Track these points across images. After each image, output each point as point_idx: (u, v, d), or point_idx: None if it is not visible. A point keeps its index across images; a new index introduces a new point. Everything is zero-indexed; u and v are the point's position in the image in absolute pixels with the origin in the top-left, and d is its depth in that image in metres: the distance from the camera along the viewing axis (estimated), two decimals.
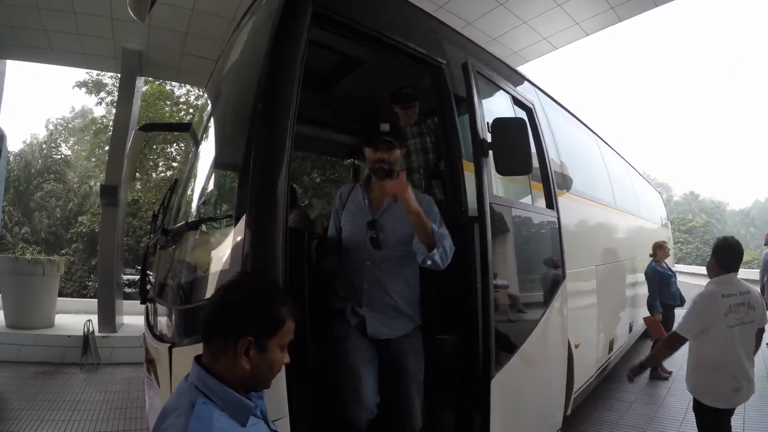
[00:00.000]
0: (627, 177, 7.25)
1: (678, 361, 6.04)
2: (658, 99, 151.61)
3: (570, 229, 3.74)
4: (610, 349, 5.09)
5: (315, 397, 1.91)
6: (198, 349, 1.30)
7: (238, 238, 1.72)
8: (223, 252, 1.83)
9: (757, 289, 3.09)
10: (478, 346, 2.27)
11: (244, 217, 1.74)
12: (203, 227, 2.15)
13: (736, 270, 2.96)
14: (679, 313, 6.05)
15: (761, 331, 2.95)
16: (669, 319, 5.89)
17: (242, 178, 1.82)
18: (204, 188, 2.38)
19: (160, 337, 2.43)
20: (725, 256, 2.95)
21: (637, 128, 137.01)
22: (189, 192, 2.76)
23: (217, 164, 2.33)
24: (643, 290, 6.57)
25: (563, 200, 3.63)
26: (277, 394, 1.64)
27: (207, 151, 2.65)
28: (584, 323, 4.19)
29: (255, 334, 1.21)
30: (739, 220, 59.68)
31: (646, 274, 6.07)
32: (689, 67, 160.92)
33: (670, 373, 5.76)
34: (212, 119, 2.75)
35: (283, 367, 1.63)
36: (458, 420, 2.32)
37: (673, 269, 6.44)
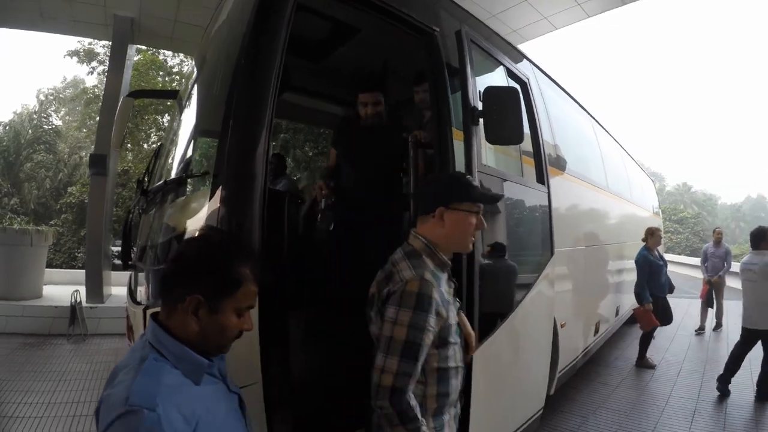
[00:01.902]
0: (621, 162, 7.22)
1: (659, 356, 6.11)
2: (657, 88, 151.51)
3: (561, 207, 3.71)
4: (596, 331, 5.11)
5: (289, 364, 1.88)
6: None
7: (215, 197, 1.67)
8: (199, 211, 1.78)
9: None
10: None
11: (221, 175, 1.70)
12: (181, 188, 2.09)
13: (755, 248, 4.84)
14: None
15: None
16: (659, 308, 5.79)
17: (222, 135, 1.76)
18: (186, 151, 2.32)
19: (138, 302, 2.39)
20: (751, 239, 4.96)
21: (633, 115, 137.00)
22: (172, 156, 2.70)
23: (200, 127, 2.26)
24: (631, 276, 6.57)
25: (555, 178, 3.59)
26: (249, 360, 1.61)
27: (191, 115, 2.59)
28: (571, 303, 4.18)
29: (205, 292, 1.13)
30: (729, 214, 60.30)
31: (636, 261, 5.94)
32: (692, 57, 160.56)
33: (653, 366, 5.76)
34: (198, 84, 2.69)
35: (257, 332, 1.59)
36: None
37: (665, 258, 6.32)
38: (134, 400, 0.97)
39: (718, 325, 7.86)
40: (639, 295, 5.80)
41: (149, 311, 1.89)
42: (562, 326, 3.69)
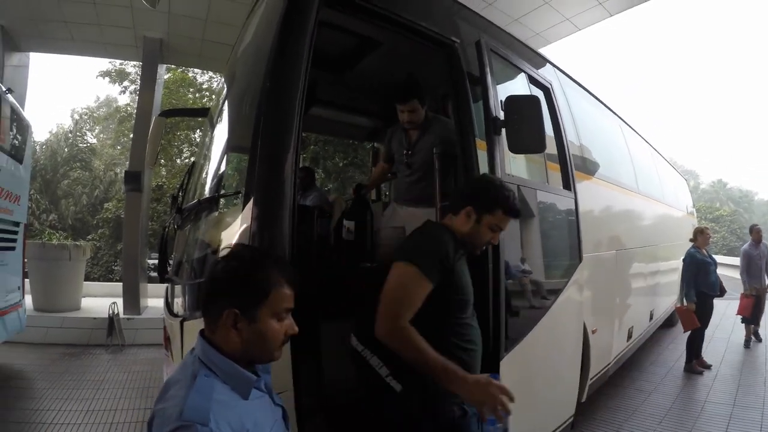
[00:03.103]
0: (651, 162, 7.06)
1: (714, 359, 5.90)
2: (688, 84, 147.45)
3: (589, 212, 3.67)
4: (629, 336, 5.00)
5: (321, 372, 1.92)
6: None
7: (246, 215, 1.74)
8: (232, 228, 1.85)
9: None
10: (488, 326, 2.23)
11: (251, 193, 1.76)
12: (215, 206, 2.17)
13: None
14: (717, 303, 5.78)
15: None
16: (706, 309, 5.58)
17: (251, 154, 1.83)
18: (218, 169, 2.41)
19: (175, 314, 2.48)
20: None
21: (664, 114, 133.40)
22: (204, 174, 2.80)
23: (230, 145, 2.35)
24: (666, 278, 6.38)
25: (583, 183, 3.55)
26: (281, 367, 1.65)
27: (221, 133, 2.69)
28: (602, 309, 4.10)
29: (239, 304, 1.17)
30: (767, 210, 57.89)
31: (683, 260, 5.76)
32: (723, 51, 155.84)
33: (709, 367, 5.57)
34: (227, 102, 2.79)
35: (289, 341, 1.64)
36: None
37: (713, 257, 6.00)
38: (188, 415, 1.02)
39: (759, 338, 6.91)
40: (686, 295, 5.61)
41: (186, 323, 2.00)
42: (593, 332, 3.63)
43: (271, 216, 1.74)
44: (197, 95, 16.51)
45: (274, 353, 1.24)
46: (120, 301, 7.12)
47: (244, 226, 1.73)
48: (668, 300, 6.96)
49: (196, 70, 15.91)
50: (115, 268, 18.17)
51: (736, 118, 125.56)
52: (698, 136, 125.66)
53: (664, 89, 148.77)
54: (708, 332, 5.83)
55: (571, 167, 3.28)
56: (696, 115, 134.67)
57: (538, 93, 3.05)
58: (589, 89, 4.73)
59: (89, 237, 19.54)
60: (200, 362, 1.17)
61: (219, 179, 2.27)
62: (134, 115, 10.44)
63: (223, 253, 1.76)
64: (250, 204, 1.75)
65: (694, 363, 5.56)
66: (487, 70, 2.46)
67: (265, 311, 1.19)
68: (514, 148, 2.35)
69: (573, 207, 3.25)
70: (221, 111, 2.81)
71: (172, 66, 13.90)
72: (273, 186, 1.77)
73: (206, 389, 1.09)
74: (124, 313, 7.02)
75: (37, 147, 25.68)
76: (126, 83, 16.84)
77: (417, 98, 2.97)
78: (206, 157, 2.91)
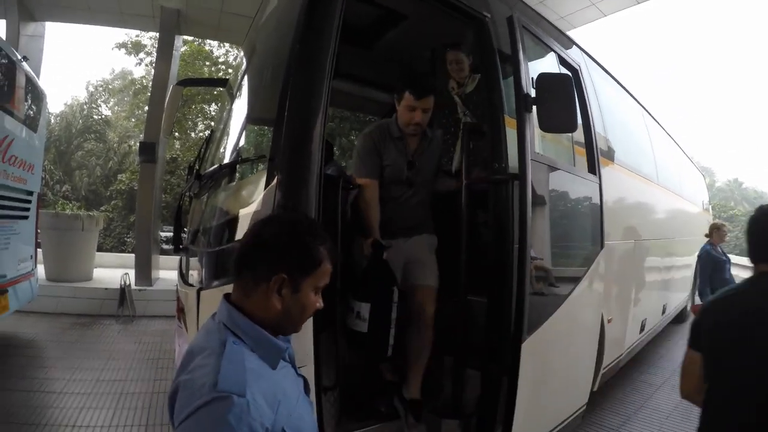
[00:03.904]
0: (672, 154, 6.92)
1: None
2: (709, 79, 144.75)
3: (610, 199, 3.58)
4: (642, 329, 4.93)
5: (340, 348, 1.90)
6: (225, 291, 1.23)
7: (272, 180, 1.70)
8: (256, 195, 1.81)
9: None
10: (510, 307, 2.20)
11: (278, 159, 1.72)
12: (237, 171, 2.13)
13: None
14: None
15: None
16: None
17: (278, 120, 1.78)
18: (239, 137, 2.38)
19: (191, 284, 2.46)
20: None
21: (683, 107, 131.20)
22: (224, 142, 2.76)
23: (253, 112, 2.32)
24: (680, 273, 6.28)
25: (605, 168, 3.47)
26: (303, 341, 1.63)
27: (243, 102, 2.66)
28: (619, 299, 4.03)
29: (290, 271, 1.12)
30: None
31: (699, 256, 5.62)
32: (744, 48, 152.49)
33: None
34: (249, 71, 2.74)
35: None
36: (486, 381, 2.28)
37: (727, 255, 5.92)
38: (224, 386, 0.94)
39: None
40: (701, 293, 5.52)
41: (203, 292, 1.97)
42: (608, 321, 3.58)
43: (299, 184, 1.70)
44: (213, 68, 16.44)
45: (299, 326, 1.21)
46: (132, 272, 7.17)
47: (271, 193, 1.69)
48: (680, 295, 6.87)
49: (212, 42, 15.86)
50: (128, 239, 18.35)
51: (757, 117, 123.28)
52: (716, 133, 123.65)
53: (684, 83, 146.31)
54: None
55: (597, 151, 3.20)
56: (715, 111, 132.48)
57: (568, 74, 2.97)
58: (614, 75, 4.62)
59: (102, 208, 19.70)
60: (226, 328, 1.10)
61: (244, 147, 2.23)
62: (149, 88, 10.39)
63: (247, 218, 1.73)
64: (277, 170, 1.70)
65: None
66: (519, 46, 2.37)
67: (309, 282, 1.16)
68: (546, 127, 2.27)
69: (597, 192, 3.17)
70: (243, 81, 2.76)
71: (189, 38, 13.84)
72: (302, 152, 1.72)
73: (238, 357, 1.03)
74: (135, 284, 7.07)
75: (52, 118, 25.79)
76: (142, 55, 16.84)
77: (435, 95, 2.54)
78: (227, 127, 2.87)
